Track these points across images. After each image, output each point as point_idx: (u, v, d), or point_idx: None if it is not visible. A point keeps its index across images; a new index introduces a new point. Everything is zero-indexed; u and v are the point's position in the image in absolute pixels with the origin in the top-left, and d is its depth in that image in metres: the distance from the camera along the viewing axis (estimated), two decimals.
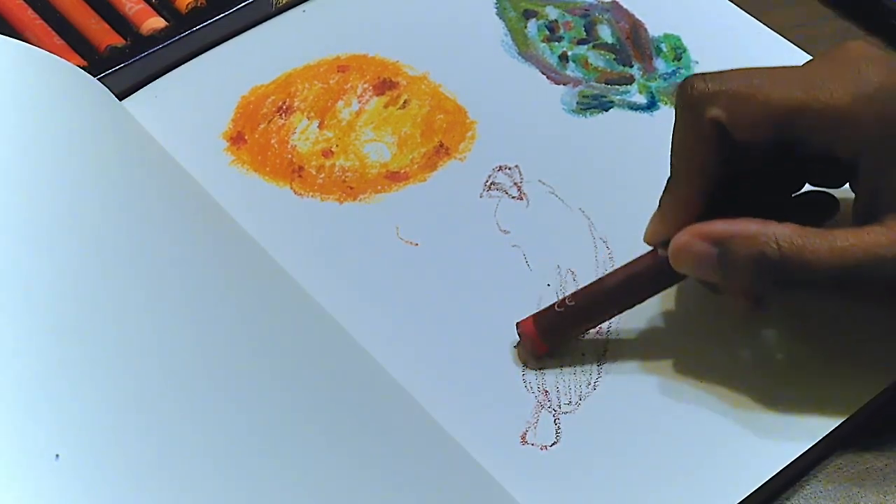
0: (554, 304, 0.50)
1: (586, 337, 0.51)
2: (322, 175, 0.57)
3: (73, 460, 0.39)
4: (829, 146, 0.47)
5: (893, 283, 0.45)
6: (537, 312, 0.51)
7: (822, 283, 0.46)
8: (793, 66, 0.49)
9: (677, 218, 0.49)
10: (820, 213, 0.50)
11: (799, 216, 0.47)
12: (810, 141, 0.47)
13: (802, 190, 0.51)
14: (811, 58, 0.50)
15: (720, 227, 0.47)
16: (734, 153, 0.48)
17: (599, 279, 0.51)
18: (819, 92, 0.46)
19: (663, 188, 0.50)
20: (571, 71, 0.61)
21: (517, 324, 0.51)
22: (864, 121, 0.46)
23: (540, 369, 0.50)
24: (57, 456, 0.39)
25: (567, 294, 0.51)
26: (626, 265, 0.50)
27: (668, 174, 0.50)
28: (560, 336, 0.51)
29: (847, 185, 0.50)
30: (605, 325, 0.52)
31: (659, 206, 0.50)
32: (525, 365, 0.51)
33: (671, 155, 0.49)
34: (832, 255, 0.45)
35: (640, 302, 0.50)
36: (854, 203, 0.48)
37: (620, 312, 0.51)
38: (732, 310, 0.50)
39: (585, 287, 0.51)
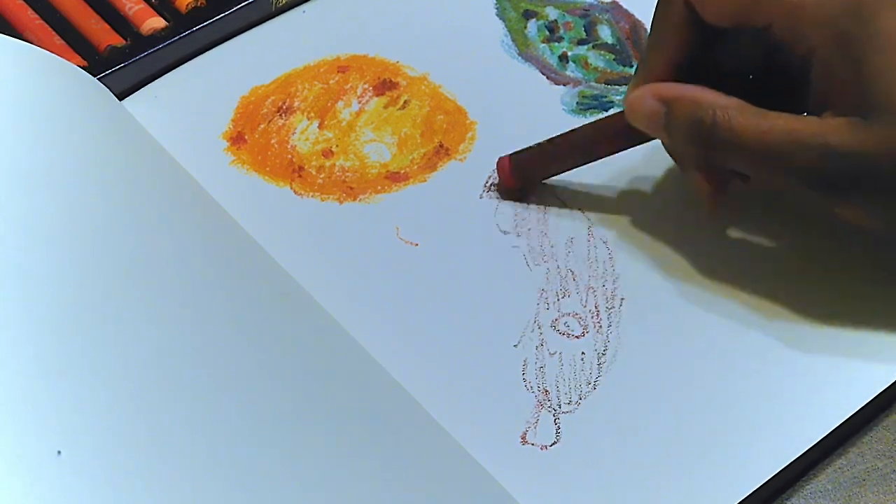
0: (530, 146, 0.55)
1: (550, 180, 0.56)
2: (322, 175, 0.57)
3: (75, 457, 0.39)
4: (791, 41, 0.49)
5: (812, 172, 0.48)
6: (514, 151, 0.56)
7: (746, 156, 0.49)
8: None
9: (644, 82, 0.52)
10: (776, 97, 0.51)
11: (752, 98, 0.50)
12: (774, 34, 0.49)
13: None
14: None
15: (670, 88, 0.51)
16: (708, 37, 0.51)
17: (572, 129, 0.55)
18: None
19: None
20: (571, 71, 0.61)
21: (497, 160, 0.56)
22: (818, 12, 0.48)
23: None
24: (59, 452, 0.39)
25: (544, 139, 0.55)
26: (598, 119, 0.55)
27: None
28: (530, 172, 0.56)
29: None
30: (605, 322, 0.52)
31: (634, 72, 0.54)
32: (492, 195, 0.56)
33: (650, 32, 0.53)
34: (758, 130, 0.48)
35: (605, 154, 0.55)
36: (809, 99, 0.50)
37: (588, 161, 0.55)
38: (696, 194, 0.53)
39: (559, 135, 0.55)
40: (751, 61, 0.52)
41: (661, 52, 0.52)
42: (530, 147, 0.55)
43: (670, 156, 0.54)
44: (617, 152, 0.55)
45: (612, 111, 0.57)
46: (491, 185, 0.56)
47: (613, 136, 0.54)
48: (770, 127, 0.48)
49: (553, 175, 0.56)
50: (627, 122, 0.53)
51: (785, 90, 0.51)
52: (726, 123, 0.49)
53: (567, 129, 0.55)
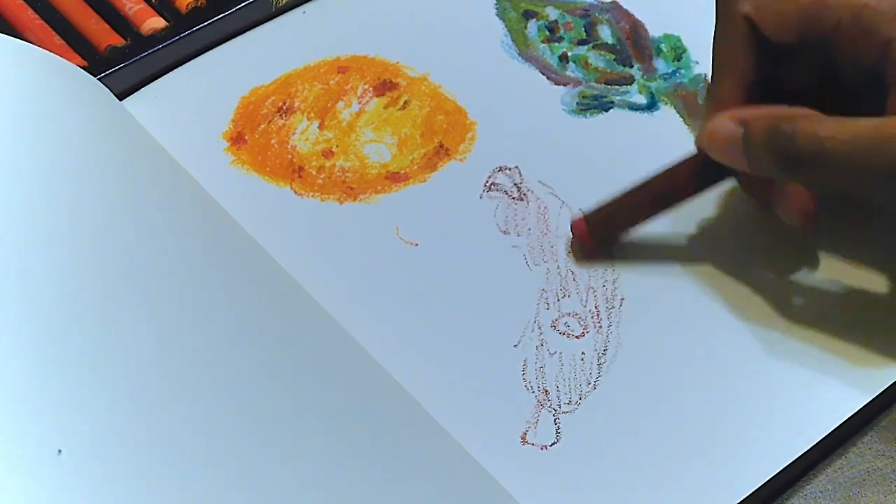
0: (602, 203, 0.53)
1: (630, 235, 0.54)
2: (322, 175, 0.57)
3: (76, 456, 0.39)
4: (854, 50, 0.48)
5: None
6: (588, 211, 0.54)
7: (833, 163, 0.46)
8: None
9: (716, 113, 0.50)
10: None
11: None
12: (837, 42, 0.48)
13: None
14: None
15: (747, 109, 0.49)
16: (771, 55, 0.50)
17: (646, 179, 0.53)
18: None
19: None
20: (571, 71, 0.61)
21: (571, 221, 0.54)
22: (887, 6, 0.47)
23: (595, 265, 0.53)
24: (59, 451, 0.39)
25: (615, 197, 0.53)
26: (671, 165, 0.53)
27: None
28: (607, 229, 0.54)
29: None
30: (605, 322, 0.52)
31: (704, 107, 0.52)
32: (577, 262, 0.54)
33: (712, 55, 0.51)
34: (844, 133, 0.46)
35: (682, 199, 0.52)
36: (886, 108, 0.48)
37: (664, 210, 0.53)
38: (787, 220, 0.52)
39: (633, 186, 0.53)
40: (816, 76, 0.51)
41: (727, 77, 0.51)
42: (604, 205, 0.53)
43: (751, 194, 0.53)
44: (694, 196, 0.53)
45: (679, 159, 0.53)
46: (491, 184, 0.56)
47: (688, 179, 0.52)
48: (855, 129, 0.46)
49: (631, 229, 0.54)
50: (701, 161, 0.51)
51: (853, 102, 0.50)
52: (809, 131, 0.47)
53: (637, 183, 0.53)
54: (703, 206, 0.55)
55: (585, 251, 0.54)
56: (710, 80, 0.52)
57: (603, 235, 0.54)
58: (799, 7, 0.49)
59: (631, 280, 0.53)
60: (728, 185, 0.53)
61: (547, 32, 0.62)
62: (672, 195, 0.53)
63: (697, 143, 0.52)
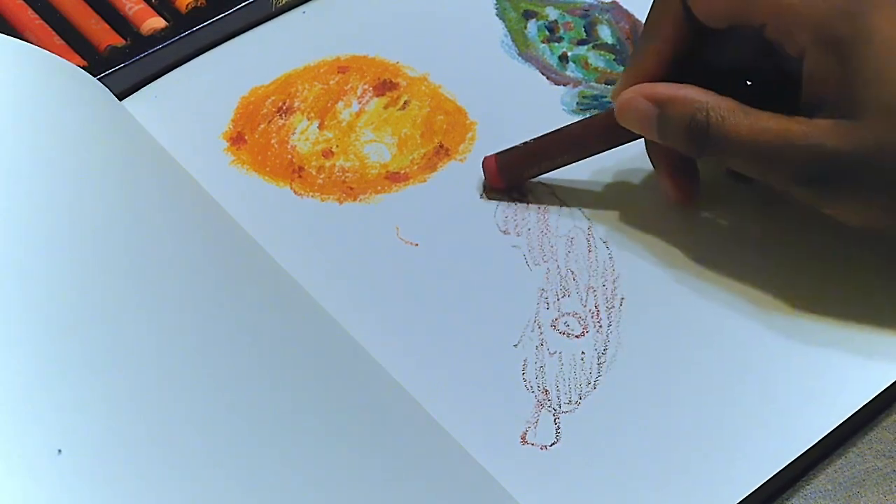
0: (517, 144, 0.55)
1: (537, 179, 0.56)
2: (322, 175, 0.57)
3: (75, 456, 0.39)
4: (781, 42, 0.49)
5: (802, 172, 0.48)
6: (501, 150, 0.56)
7: (737, 156, 0.50)
8: None
9: (635, 81, 0.52)
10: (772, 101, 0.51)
11: (747, 100, 0.50)
12: (765, 30, 0.49)
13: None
14: None
15: (662, 88, 0.51)
16: (701, 36, 0.51)
17: (561, 127, 0.55)
18: None
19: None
20: (571, 71, 0.61)
21: (483, 159, 0.56)
22: (809, 13, 0.48)
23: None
24: (59, 451, 0.39)
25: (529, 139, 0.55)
26: (587, 117, 0.56)
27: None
28: (517, 171, 0.55)
29: None
30: (605, 322, 0.52)
31: (624, 68, 0.54)
32: (484, 195, 0.56)
33: (644, 26, 0.53)
34: (750, 130, 0.49)
35: (593, 153, 0.55)
36: (800, 98, 0.50)
37: (573, 160, 0.55)
38: (663, 193, 0.55)
39: (548, 133, 0.55)
40: (744, 62, 0.52)
41: (653, 47, 0.52)
42: (516, 146, 0.55)
43: (649, 155, 0.55)
44: (604, 150, 0.55)
45: (594, 115, 0.56)
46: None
47: (601, 134, 0.54)
48: (762, 127, 0.49)
49: (541, 174, 0.56)
50: (614, 120, 0.53)
51: (778, 91, 0.51)
52: (719, 123, 0.49)
53: (551, 131, 0.55)
54: (704, 207, 0.55)
55: (495, 191, 0.56)
56: (634, 50, 0.54)
57: (513, 177, 0.56)
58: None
59: (631, 280, 0.53)
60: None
61: (547, 32, 0.62)
62: (582, 147, 0.55)
63: (611, 98, 0.54)
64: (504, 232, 0.55)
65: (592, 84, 0.60)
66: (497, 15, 0.63)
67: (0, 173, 0.47)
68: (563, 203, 0.56)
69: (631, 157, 0.57)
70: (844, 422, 0.49)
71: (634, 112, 0.52)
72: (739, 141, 0.49)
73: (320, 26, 0.62)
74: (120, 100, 0.58)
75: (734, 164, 0.51)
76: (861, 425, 0.50)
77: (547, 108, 0.59)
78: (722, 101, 0.50)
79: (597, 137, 0.55)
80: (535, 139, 0.55)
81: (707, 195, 0.55)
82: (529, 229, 0.55)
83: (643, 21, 0.62)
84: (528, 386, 0.50)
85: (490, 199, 0.56)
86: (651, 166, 0.56)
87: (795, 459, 0.48)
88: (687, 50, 0.52)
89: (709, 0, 0.51)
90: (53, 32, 0.60)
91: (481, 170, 0.56)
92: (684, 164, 0.54)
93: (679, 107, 0.51)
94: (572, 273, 0.54)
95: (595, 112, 0.59)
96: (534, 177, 0.56)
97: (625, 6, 0.63)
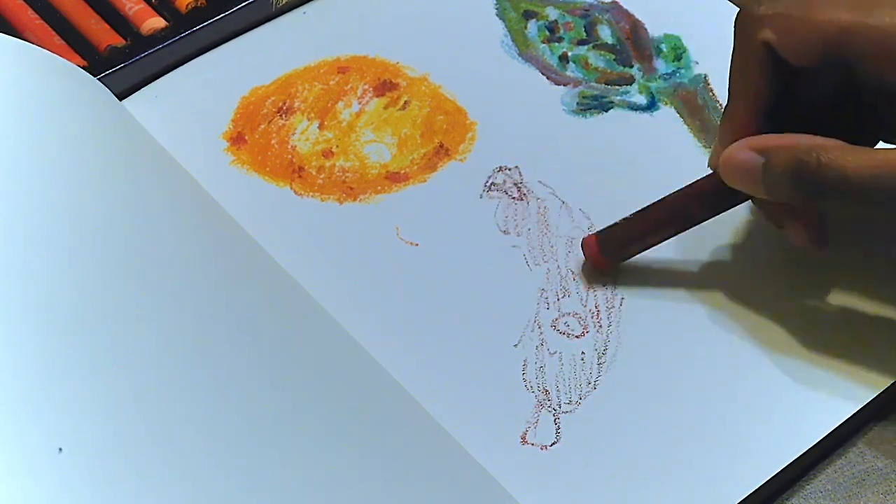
0: (615, 222, 0.52)
1: (643, 253, 0.53)
2: (322, 175, 0.57)
3: (76, 454, 0.39)
4: (880, 73, 0.47)
5: None
6: (599, 230, 0.53)
7: (857, 195, 0.46)
8: None
9: (732, 138, 0.50)
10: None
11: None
12: (861, 67, 0.47)
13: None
14: None
15: (766, 138, 0.49)
16: (789, 77, 0.49)
17: (660, 199, 0.52)
18: (868, 15, 0.47)
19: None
20: (571, 71, 0.61)
21: (582, 240, 0.53)
22: None
23: (607, 285, 0.53)
24: (60, 450, 0.39)
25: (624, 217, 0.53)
26: (686, 186, 0.52)
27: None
28: (619, 250, 0.53)
29: None
30: (605, 322, 0.52)
31: (719, 129, 0.51)
32: (591, 283, 0.53)
33: (729, 78, 0.50)
34: (864, 167, 0.46)
35: (696, 222, 0.52)
36: None
37: (678, 232, 0.52)
38: (795, 242, 0.51)
39: (645, 207, 0.52)
40: (833, 92, 0.50)
41: (744, 102, 0.50)
42: (616, 224, 0.52)
43: (764, 215, 0.53)
44: (710, 217, 0.52)
45: (697, 179, 0.52)
46: (491, 184, 0.56)
47: (705, 201, 0.52)
48: (880, 162, 0.46)
49: (645, 249, 0.53)
50: (718, 183, 0.50)
51: (870, 116, 0.50)
52: (834, 163, 0.46)
53: (651, 202, 0.52)
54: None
55: (596, 270, 0.53)
56: (726, 103, 0.51)
57: (614, 256, 0.53)
58: (823, 35, 0.47)
59: (631, 280, 0.53)
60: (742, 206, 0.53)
61: (547, 32, 0.62)
62: (685, 217, 0.52)
63: (711, 165, 0.51)
64: (504, 232, 0.55)
65: (592, 84, 0.60)
66: (497, 15, 0.63)
67: (0, 173, 0.47)
68: (563, 203, 0.56)
69: (631, 158, 0.57)
70: (844, 422, 0.49)
71: (740, 165, 0.49)
72: (853, 179, 0.46)
73: (320, 26, 0.62)
74: (120, 100, 0.58)
75: (853, 205, 0.48)
76: (861, 426, 0.50)
77: (547, 108, 0.59)
78: (828, 141, 0.47)
79: (701, 205, 0.52)
80: (635, 214, 0.52)
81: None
82: (529, 229, 0.55)
83: (643, 21, 0.62)
84: (528, 386, 0.50)
85: (490, 199, 0.56)
86: (650, 167, 0.56)
87: (795, 460, 0.48)
88: (777, 94, 0.50)
89: (800, 39, 0.48)
90: (53, 32, 0.60)
91: (486, 169, 0.56)
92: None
93: (786, 153, 0.48)
94: (572, 273, 0.54)
95: (596, 112, 0.59)
96: (636, 254, 0.53)
97: (625, 6, 0.63)
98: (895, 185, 0.46)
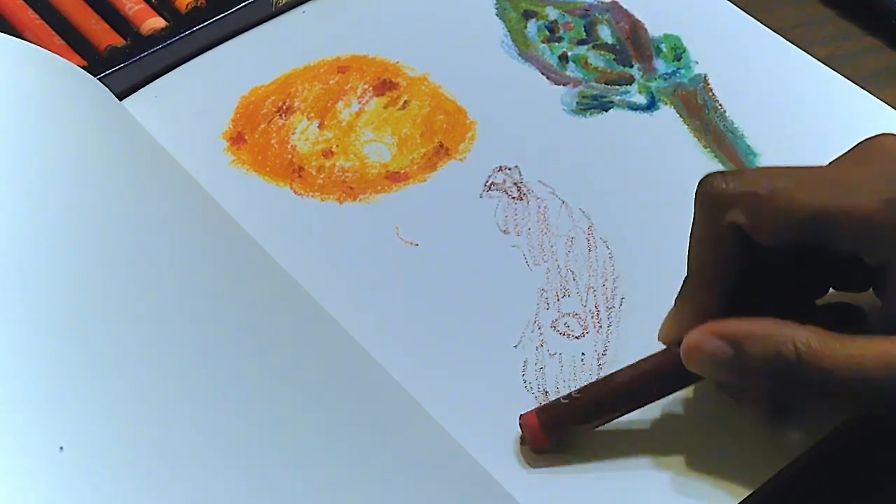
0: (559, 398, 0.48)
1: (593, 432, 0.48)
2: (322, 175, 0.57)
3: (77, 452, 0.39)
4: (856, 252, 0.44)
5: None
6: (540, 406, 0.49)
7: (840, 391, 0.44)
8: (819, 167, 0.46)
9: (692, 318, 0.46)
10: (844, 323, 0.47)
11: (822, 324, 0.45)
12: (836, 246, 0.45)
13: (827, 295, 0.48)
14: (841, 155, 0.47)
15: (736, 325, 0.45)
16: (755, 255, 0.46)
17: (609, 375, 0.48)
18: (846, 196, 0.44)
19: (680, 287, 0.48)
20: (571, 71, 0.61)
21: (520, 416, 0.48)
22: (889, 234, 0.43)
23: (542, 466, 0.48)
24: (61, 448, 0.39)
25: (573, 389, 0.49)
26: (637, 362, 0.48)
27: (684, 262, 0.48)
28: (563, 431, 0.48)
29: (872, 290, 0.47)
30: (605, 322, 0.52)
31: (674, 304, 0.48)
32: (525, 462, 0.48)
33: (688, 253, 0.47)
34: (851, 363, 0.43)
35: (651, 401, 0.48)
36: (881, 310, 0.46)
37: (630, 411, 0.48)
38: (753, 414, 0.48)
39: (594, 382, 0.49)
40: (815, 280, 0.48)
41: (706, 281, 0.46)
42: (558, 401, 0.48)
43: (717, 387, 0.48)
44: (662, 397, 0.48)
45: (647, 357, 0.48)
46: (491, 184, 0.56)
47: (660, 380, 0.48)
48: (862, 352, 0.43)
49: (590, 430, 0.48)
50: (674, 363, 0.46)
51: (830, 281, 0.48)
52: (814, 358, 0.43)
53: (599, 379, 0.49)
54: None
55: (536, 449, 0.48)
56: (685, 284, 0.47)
57: (558, 436, 0.48)
58: (799, 218, 0.44)
59: (631, 280, 0.53)
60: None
61: (547, 32, 0.62)
62: (636, 398, 0.48)
63: (662, 339, 0.48)
64: (504, 232, 0.55)
65: (592, 84, 0.60)
66: (497, 15, 0.63)
67: (0, 172, 0.48)
68: (563, 203, 0.56)
69: (631, 157, 0.57)
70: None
71: (706, 354, 0.45)
72: (840, 375, 0.43)
73: (320, 26, 0.62)
74: (120, 100, 0.58)
75: (832, 398, 0.45)
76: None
77: (547, 108, 0.59)
78: (808, 331, 0.44)
79: (653, 386, 0.48)
80: (578, 392, 0.48)
81: None
82: (529, 229, 0.55)
83: (643, 21, 0.62)
84: (529, 387, 0.50)
85: (490, 199, 0.56)
86: (650, 167, 0.56)
87: (796, 459, 0.48)
88: (741, 273, 0.46)
89: (773, 221, 0.44)
90: (53, 32, 0.60)
91: (486, 168, 0.56)
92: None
93: (760, 343, 0.44)
94: (572, 273, 0.54)
95: (596, 112, 0.59)
96: (584, 432, 0.48)
97: (625, 6, 0.63)
98: (881, 378, 0.43)
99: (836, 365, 0.43)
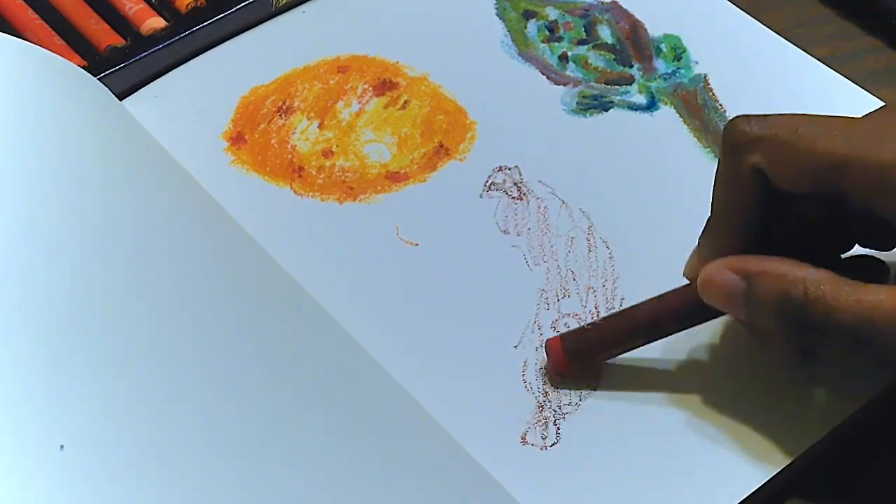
0: (583, 325, 0.50)
1: (611, 361, 0.50)
2: (322, 175, 0.57)
3: (78, 451, 0.39)
4: (874, 205, 0.45)
5: None
6: (565, 332, 0.50)
7: (843, 335, 0.44)
8: (845, 118, 0.46)
9: (713, 256, 0.47)
10: (866, 276, 0.46)
11: (842, 275, 0.45)
12: (854, 198, 0.45)
13: (852, 252, 0.49)
14: (872, 110, 0.48)
15: (751, 261, 0.46)
16: (776, 200, 0.46)
17: (632, 306, 0.50)
18: (866, 148, 0.44)
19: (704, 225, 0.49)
20: (571, 71, 0.61)
21: (546, 341, 0.50)
22: None
23: (563, 388, 0.50)
24: (61, 447, 0.39)
25: (599, 317, 0.50)
26: (660, 295, 0.49)
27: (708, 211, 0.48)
28: (585, 356, 0.50)
29: None
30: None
31: (698, 243, 0.49)
32: (551, 382, 0.50)
33: (712, 193, 0.48)
34: (857, 307, 0.43)
35: (669, 333, 0.49)
36: None
37: (648, 342, 0.50)
38: (776, 358, 0.49)
39: (617, 312, 0.50)
40: (839, 235, 0.49)
41: (729, 219, 0.47)
42: (583, 328, 0.50)
43: (741, 324, 0.49)
44: (682, 330, 0.50)
45: (671, 290, 0.49)
46: (491, 184, 0.56)
47: (680, 313, 0.49)
48: (872, 302, 0.43)
49: (611, 357, 0.50)
50: (693, 297, 0.48)
51: (852, 235, 0.48)
52: (821, 300, 0.44)
53: (622, 309, 0.51)
54: (705, 208, 0.55)
55: (560, 374, 0.50)
56: (708, 223, 0.48)
57: (580, 361, 0.50)
58: (817, 166, 0.45)
59: (631, 280, 0.53)
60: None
61: (547, 32, 0.62)
62: (657, 329, 0.49)
63: (686, 274, 0.49)
64: (504, 232, 0.55)
65: (592, 84, 0.60)
66: (497, 15, 0.63)
67: (0, 172, 0.48)
68: (563, 203, 0.56)
69: (631, 157, 0.57)
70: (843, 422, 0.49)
71: (720, 287, 0.46)
72: (845, 320, 0.43)
73: (320, 26, 0.62)
74: (120, 100, 0.58)
75: (840, 343, 0.45)
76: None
77: (547, 108, 0.59)
78: (819, 273, 0.44)
79: (673, 318, 0.49)
80: (603, 320, 0.50)
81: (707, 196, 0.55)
82: (529, 229, 0.55)
83: (643, 21, 0.62)
84: (528, 386, 0.50)
85: (490, 198, 0.56)
86: (650, 167, 0.56)
87: (797, 458, 0.48)
88: (762, 215, 0.47)
89: (792, 168, 0.45)
90: (53, 32, 0.60)
91: (486, 168, 0.56)
92: None
93: (771, 281, 0.45)
94: (572, 273, 0.54)
95: (596, 112, 0.59)
96: (604, 360, 0.50)
97: (625, 6, 0.63)
98: (886, 331, 0.43)
99: (842, 308, 0.43)
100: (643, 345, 0.50)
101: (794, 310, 0.44)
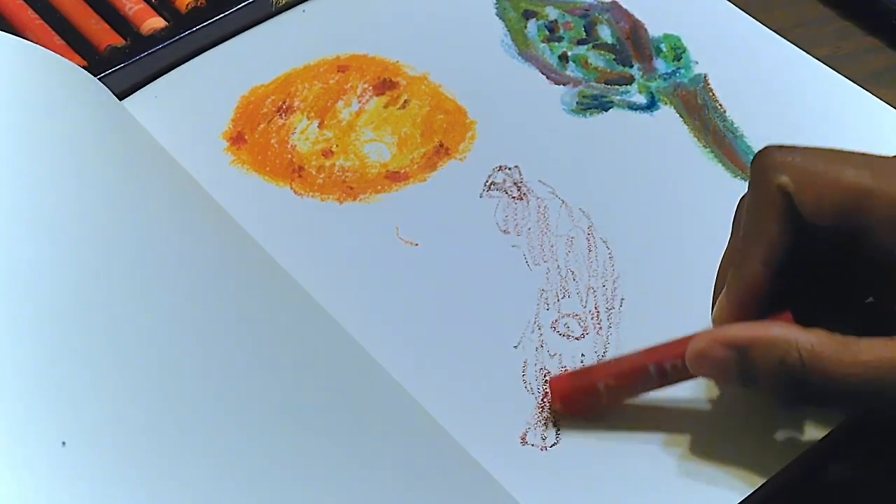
0: (596, 382, 0.49)
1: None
2: (322, 175, 0.57)
3: (79, 448, 0.39)
4: (893, 242, 0.44)
5: None
6: (569, 374, 0.50)
7: (845, 396, 0.44)
8: (875, 155, 0.46)
9: (744, 292, 0.46)
10: (884, 328, 0.45)
11: (864, 327, 0.44)
12: (875, 234, 0.44)
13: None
14: None
15: (740, 330, 0.45)
16: (801, 234, 0.46)
17: (640, 359, 0.48)
18: (892, 185, 0.44)
19: (720, 263, 0.48)
20: (571, 71, 0.61)
21: (550, 379, 0.50)
22: None
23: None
24: (63, 443, 0.39)
25: (606, 360, 0.50)
26: (656, 347, 0.48)
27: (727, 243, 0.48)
28: (588, 406, 0.49)
29: None
30: (605, 323, 0.52)
31: (726, 283, 0.47)
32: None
33: (743, 224, 0.47)
34: (856, 367, 0.43)
35: (678, 383, 0.48)
36: None
37: (655, 389, 0.49)
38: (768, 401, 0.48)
39: (623, 361, 0.49)
40: (831, 256, 0.47)
41: (759, 247, 0.46)
42: (595, 385, 0.49)
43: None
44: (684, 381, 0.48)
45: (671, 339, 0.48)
46: (491, 184, 0.56)
47: (677, 375, 0.47)
48: (869, 360, 0.43)
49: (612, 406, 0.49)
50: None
51: (864, 284, 0.48)
52: (816, 363, 0.43)
53: (622, 357, 0.49)
54: (703, 207, 0.55)
55: (556, 412, 0.49)
56: (733, 246, 0.48)
57: (583, 407, 0.49)
58: (841, 196, 0.44)
59: (631, 281, 0.53)
60: None
61: (547, 32, 0.62)
62: (668, 382, 0.48)
63: (715, 319, 0.48)
64: (504, 232, 0.55)
65: (592, 84, 0.60)
66: (497, 15, 0.63)
67: (0, 172, 0.48)
68: (563, 203, 0.56)
69: (631, 157, 0.57)
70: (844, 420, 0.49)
71: (710, 362, 0.46)
72: (844, 381, 0.43)
73: (320, 26, 0.62)
74: (120, 100, 0.58)
75: (837, 404, 0.45)
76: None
77: (547, 108, 0.59)
78: (811, 334, 0.44)
79: (684, 375, 0.47)
80: (615, 377, 0.48)
81: (707, 196, 0.55)
82: (529, 229, 0.55)
83: (643, 21, 0.62)
84: (528, 387, 0.50)
85: (490, 198, 0.56)
86: (650, 167, 0.56)
87: (797, 458, 0.48)
88: (790, 244, 0.46)
89: (817, 195, 0.45)
90: (53, 32, 0.60)
91: (486, 168, 0.56)
92: None
93: (765, 349, 0.44)
94: (572, 273, 0.54)
95: (596, 112, 0.59)
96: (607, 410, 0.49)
97: (625, 6, 0.63)
98: (885, 384, 0.43)
99: (841, 370, 0.43)
100: (651, 391, 0.49)
101: (792, 378, 0.44)
